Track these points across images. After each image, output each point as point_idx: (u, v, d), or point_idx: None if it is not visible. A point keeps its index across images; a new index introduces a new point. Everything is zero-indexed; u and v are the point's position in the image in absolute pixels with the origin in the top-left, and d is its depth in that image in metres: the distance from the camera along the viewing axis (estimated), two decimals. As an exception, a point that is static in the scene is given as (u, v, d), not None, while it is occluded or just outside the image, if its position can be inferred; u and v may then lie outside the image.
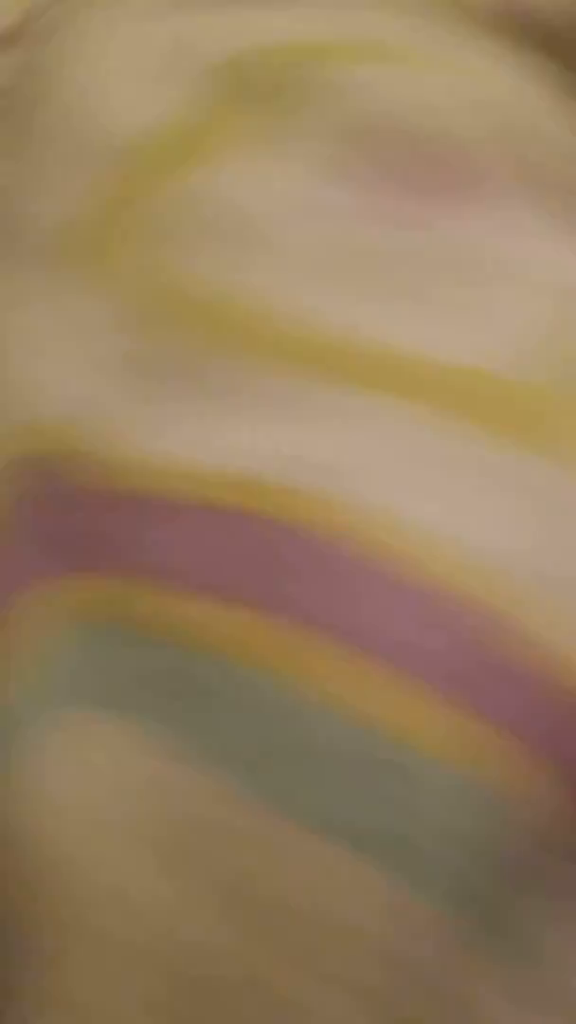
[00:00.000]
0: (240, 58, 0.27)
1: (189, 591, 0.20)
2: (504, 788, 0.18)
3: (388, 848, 0.18)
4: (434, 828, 0.18)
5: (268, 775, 0.18)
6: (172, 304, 0.23)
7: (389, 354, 0.22)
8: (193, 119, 0.27)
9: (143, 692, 0.20)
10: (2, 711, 0.20)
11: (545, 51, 0.31)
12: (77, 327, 0.23)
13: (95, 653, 0.20)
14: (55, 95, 0.30)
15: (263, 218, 0.24)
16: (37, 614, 0.21)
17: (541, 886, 0.18)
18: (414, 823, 0.18)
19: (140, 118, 0.28)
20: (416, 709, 0.19)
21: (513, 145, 0.28)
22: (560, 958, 0.19)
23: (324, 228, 0.24)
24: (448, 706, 0.19)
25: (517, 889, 0.18)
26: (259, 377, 0.22)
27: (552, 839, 0.19)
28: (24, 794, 0.19)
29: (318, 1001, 0.18)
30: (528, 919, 0.18)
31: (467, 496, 0.21)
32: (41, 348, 0.23)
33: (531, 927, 0.19)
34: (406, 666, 0.19)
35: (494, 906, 0.18)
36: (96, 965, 0.18)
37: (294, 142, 0.26)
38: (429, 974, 0.18)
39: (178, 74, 0.28)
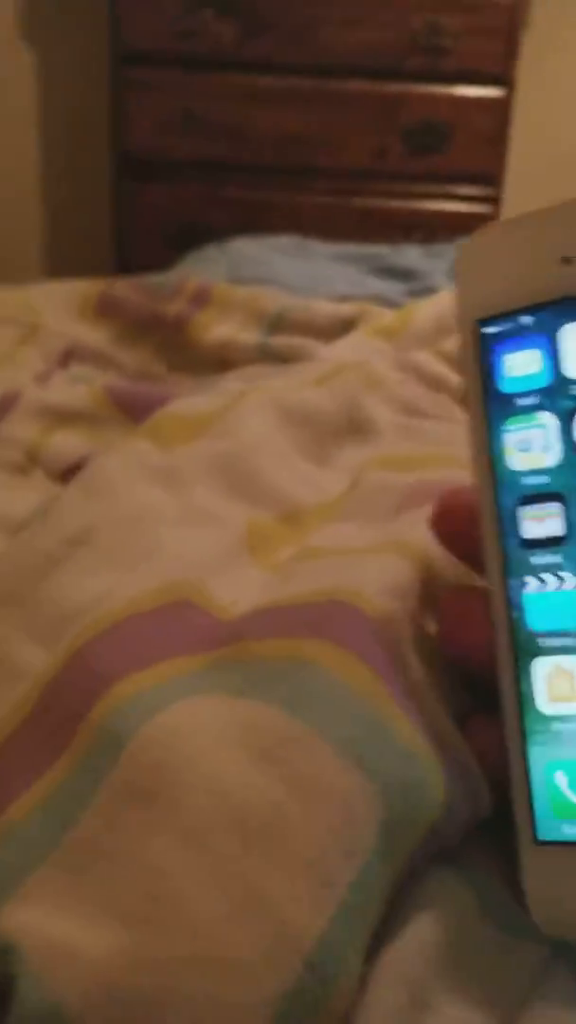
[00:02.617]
0: None
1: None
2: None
3: (359, 752, 0.32)
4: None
5: (316, 716, 0.33)
6: None
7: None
8: None
9: (243, 684, 0.35)
10: (151, 694, 0.35)
11: None
12: None
13: (211, 674, 0.37)
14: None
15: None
16: (180, 665, 0.37)
17: None
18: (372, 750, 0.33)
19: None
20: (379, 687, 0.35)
21: None
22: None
23: None
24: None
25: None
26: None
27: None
28: (160, 725, 0.33)
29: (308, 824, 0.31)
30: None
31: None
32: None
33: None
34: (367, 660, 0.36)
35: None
36: (189, 828, 0.30)
37: None
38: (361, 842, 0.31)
39: None
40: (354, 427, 0.71)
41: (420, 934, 0.31)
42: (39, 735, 0.35)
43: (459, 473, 0.51)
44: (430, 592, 0.40)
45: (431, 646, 0.38)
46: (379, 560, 0.41)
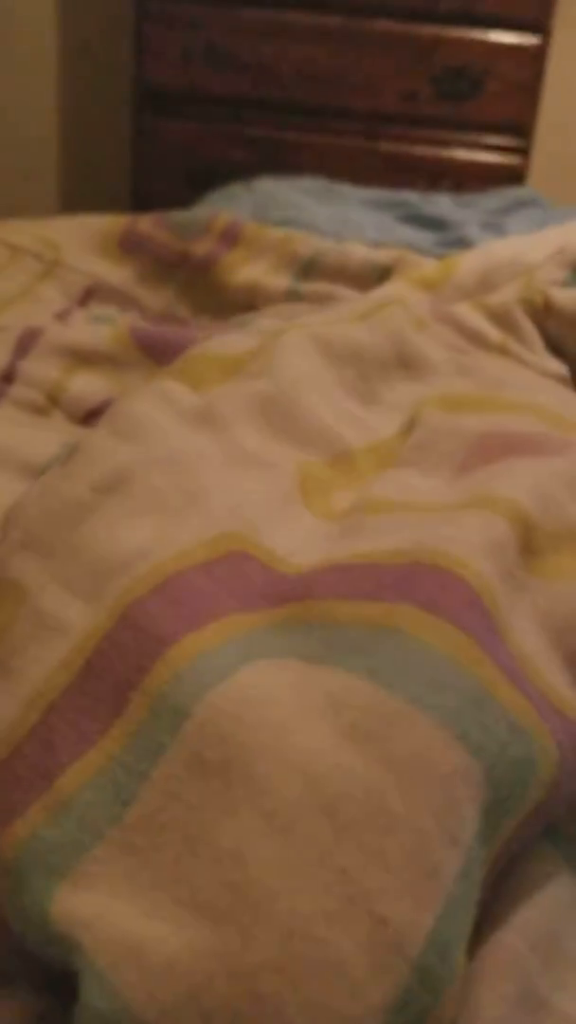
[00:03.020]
0: None
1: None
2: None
3: (463, 726, 0.29)
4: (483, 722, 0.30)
5: (410, 688, 0.30)
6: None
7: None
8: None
9: (321, 650, 0.32)
10: (213, 658, 0.32)
11: None
12: None
13: (279, 635, 0.33)
14: None
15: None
16: (240, 623, 0.34)
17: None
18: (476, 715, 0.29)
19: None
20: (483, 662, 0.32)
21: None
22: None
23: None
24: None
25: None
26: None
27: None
28: (227, 693, 0.30)
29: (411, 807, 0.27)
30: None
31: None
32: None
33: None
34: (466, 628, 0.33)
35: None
36: (275, 810, 0.27)
37: None
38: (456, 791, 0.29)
39: None
40: (403, 362, 0.67)
41: (525, 922, 0.29)
42: (88, 701, 0.33)
43: (531, 421, 0.47)
44: (531, 551, 0.37)
45: (539, 609, 0.35)
46: (468, 518, 0.38)
